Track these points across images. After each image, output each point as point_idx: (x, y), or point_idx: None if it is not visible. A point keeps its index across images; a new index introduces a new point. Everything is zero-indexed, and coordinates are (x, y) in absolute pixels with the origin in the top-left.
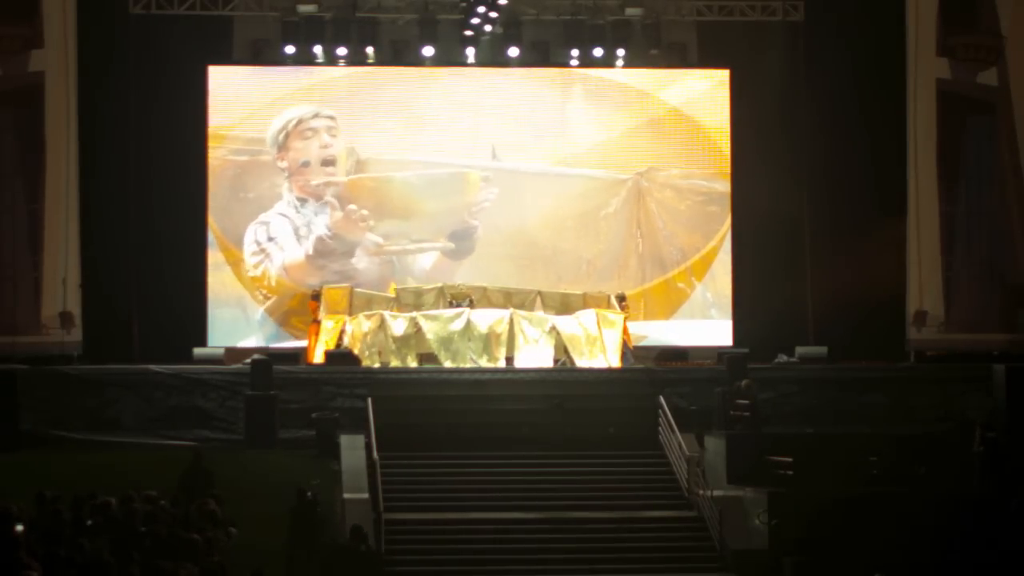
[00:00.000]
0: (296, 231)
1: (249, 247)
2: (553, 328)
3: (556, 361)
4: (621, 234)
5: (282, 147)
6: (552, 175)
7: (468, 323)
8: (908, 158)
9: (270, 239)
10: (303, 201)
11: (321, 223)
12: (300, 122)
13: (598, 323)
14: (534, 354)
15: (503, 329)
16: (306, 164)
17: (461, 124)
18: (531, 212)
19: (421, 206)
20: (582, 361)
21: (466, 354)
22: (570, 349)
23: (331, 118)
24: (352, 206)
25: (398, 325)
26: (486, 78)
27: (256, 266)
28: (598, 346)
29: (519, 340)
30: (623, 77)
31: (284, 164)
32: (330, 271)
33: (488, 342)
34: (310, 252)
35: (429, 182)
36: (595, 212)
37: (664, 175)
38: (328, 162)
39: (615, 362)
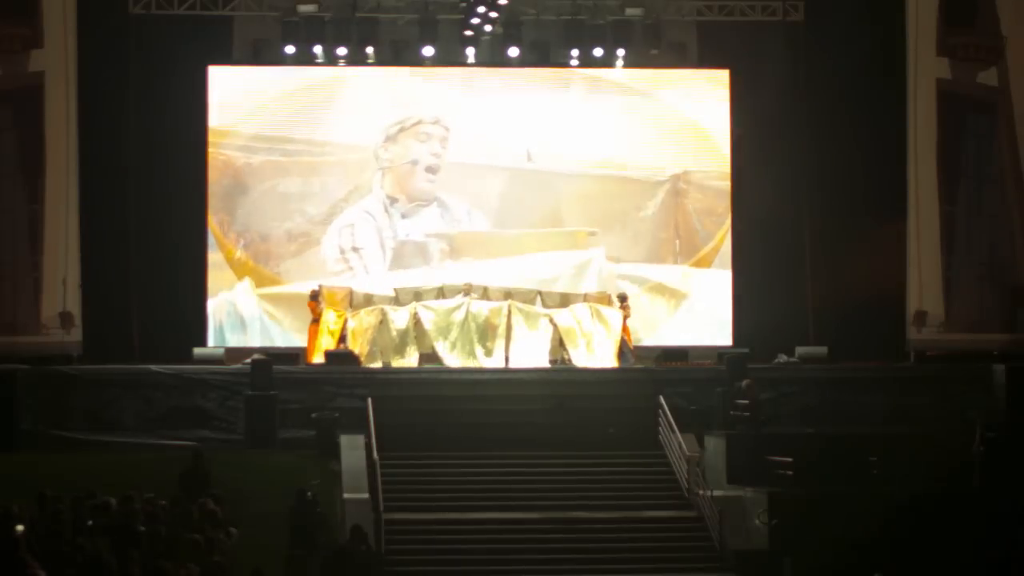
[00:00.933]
0: (380, 233)
1: (330, 251)
2: (550, 320)
3: (553, 361)
4: (626, 234)
5: (391, 139)
6: (571, 176)
7: (468, 314)
8: (908, 158)
9: (355, 249)
10: (393, 200)
11: (409, 227)
12: (419, 123)
13: (592, 316)
14: (530, 346)
15: (500, 321)
16: (414, 163)
17: (488, 125)
18: (554, 211)
19: (528, 257)
20: (577, 353)
21: (464, 344)
22: (566, 341)
23: (447, 129)
24: (469, 258)
25: (399, 317)
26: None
27: (338, 274)
28: (594, 340)
29: (516, 331)
30: (623, 77)
31: (387, 155)
32: None
33: (485, 332)
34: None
35: (542, 238)
36: (600, 212)
37: (663, 175)
38: (432, 169)
39: (610, 359)
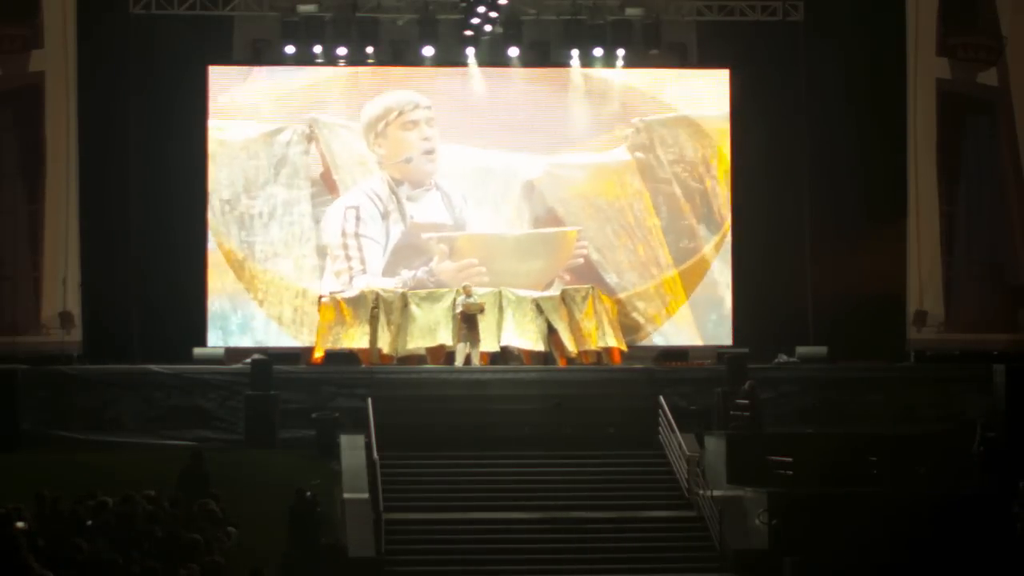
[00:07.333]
0: (386, 219)
1: (334, 237)
2: (537, 305)
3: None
4: (626, 234)
5: (380, 135)
6: (559, 174)
7: (454, 302)
8: (908, 158)
9: (357, 235)
10: (398, 183)
11: (413, 209)
12: (401, 113)
13: (591, 303)
14: (519, 333)
15: (490, 304)
16: (408, 160)
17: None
18: (550, 212)
19: (524, 264)
20: (566, 336)
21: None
22: (553, 322)
23: (428, 108)
24: (472, 259)
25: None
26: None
27: (338, 274)
28: (583, 323)
29: (507, 313)
30: (623, 77)
31: (382, 151)
32: None
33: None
34: (400, 288)
35: (539, 240)
36: (600, 211)
37: (664, 175)
38: (429, 152)
39: (612, 341)
